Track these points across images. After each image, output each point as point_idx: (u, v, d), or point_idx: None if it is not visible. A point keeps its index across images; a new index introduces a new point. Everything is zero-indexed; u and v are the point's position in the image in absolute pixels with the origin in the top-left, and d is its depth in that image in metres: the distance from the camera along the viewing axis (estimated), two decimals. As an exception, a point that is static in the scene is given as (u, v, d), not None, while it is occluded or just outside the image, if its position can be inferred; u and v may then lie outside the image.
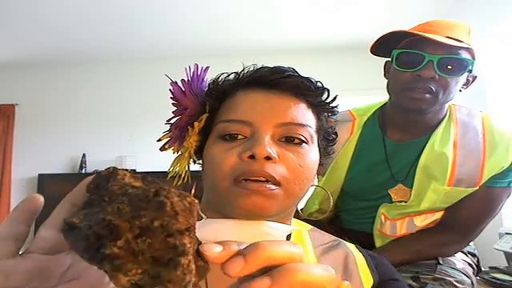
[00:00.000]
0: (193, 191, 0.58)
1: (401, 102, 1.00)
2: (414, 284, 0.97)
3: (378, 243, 1.10)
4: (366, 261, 0.56)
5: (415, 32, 0.93)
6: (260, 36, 3.24)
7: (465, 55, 0.93)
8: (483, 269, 1.38)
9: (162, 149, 0.60)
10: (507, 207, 1.07)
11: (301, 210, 1.30)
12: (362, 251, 0.59)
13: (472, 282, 1.04)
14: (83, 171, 3.56)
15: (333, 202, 1.18)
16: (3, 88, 3.92)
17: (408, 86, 0.95)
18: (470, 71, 0.96)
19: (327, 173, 1.13)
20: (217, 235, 0.49)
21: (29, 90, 3.89)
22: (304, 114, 0.54)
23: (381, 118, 1.10)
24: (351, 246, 0.59)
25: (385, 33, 0.98)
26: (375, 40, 1.00)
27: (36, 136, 3.80)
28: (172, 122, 0.59)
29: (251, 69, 0.57)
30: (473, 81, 1.02)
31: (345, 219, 1.22)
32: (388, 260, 1.03)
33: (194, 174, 0.59)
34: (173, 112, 0.59)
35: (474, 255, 1.16)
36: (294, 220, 0.61)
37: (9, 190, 3.69)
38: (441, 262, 1.04)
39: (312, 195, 1.24)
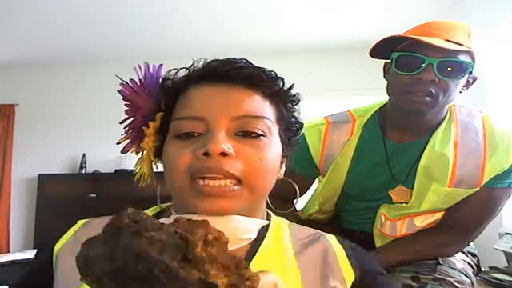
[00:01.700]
0: (158, 194, 0.57)
1: (401, 104, 1.00)
2: (413, 284, 0.97)
3: (378, 243, 1.10)
4: (347, 254, 0.54)
5: (414, 37, 0.92)
6: (260, 36, 3.24)
7: (465, 58, 0.93)
8: (483, 269, 1.38)
9: (123, 151, 0.59)
10: (507, 207, 1.07)
11: (301, 210, 1.30)
12: (343, 243, 0.56)
13: (472, 282, 1.04)
14: (83, 171, 3.56)
15: (333, 202, 1.18)
16: (3, 88, 3.92)
17: (408, 89, 0.95)
18: (471, 73, 0.95)
19: (327, 173, 1.13)
20: None
21: (29, 90, 3.89)
22: (260, 106, 0.52)
23: (381, 119, 1.10)
24: (331, 239, 0.56)
25: (384, 36, 0.98)
26: (374, 43, 1.00)
27: (36, 136, 3.80)
28: (127, 123, 0.58)
29: (201, 63, 0.55)
30: (473, 82, 1.01)
31: (345, 219, 1.22)
32: (388, 260, 1.04)
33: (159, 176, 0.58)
34: (125, 112, 0.57)
35: (474, 255, 1.16)
36: (272, 215, 0.60)
37: (9, 190, 3.69)
38: (441, 262, 1.04)
39: (312, 196, 1.24)
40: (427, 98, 0.93)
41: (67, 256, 0.51)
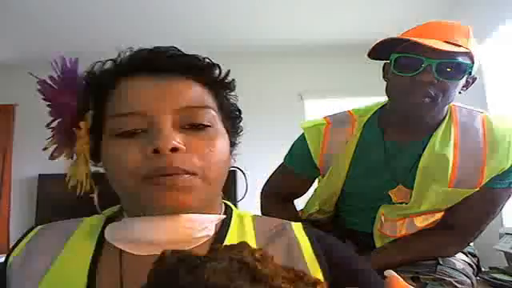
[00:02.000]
0: (96, 199, 0.54)
1: (400, 105, 1.00)
2: (413, 284, 0.97)
3: (378, 243, 1.10)
4: (312, 245, 0.50)
5: (413, 38, 0.92)
6: (260, 36, 3.24)
7: (463, 59, 0.92)
8: (483, 269, 1.38)
9: (52, 157, 0.55)
10: (507, 207, 1.07)
11: (301, 210, 1.30)
12: (309, 233, 0.52)
13: (472, 283, 1.04)
14: (83, 171, 3.55)
15: (333, 202, 1.18)
16: (3, 88, 3.92)
17: (407, 91, 0.95)
18: (470, 73, 0.95)
19: (327, 174, 1.13)
20: (136, 235, 0.47)
21: (29, 89, 3.87)
22: (201, 96, 0.49)
23: (381, 119, 1.10)
24: (297, 229, 0.53)
25: (383, 38, 0.97)
26: (373, 45, 1.00)
27: (36, 136, 3.79)
28: (53, 125, 0.52)
29: (128, 53, 0.51)
30: (472, 82, 1.01)
31: (345, 219, 1.22)
32: (388, 260, 1.04)
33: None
34: (50, 114, 0.52)
35: (474, 255, 1.15)
36: (234, 208, 0.57)
37: (9, 190, 3.69)
38: (441, 262, 1.04)
39: (312, 196, 1.24)
40: (426, 100, 0.93)
41: (16, 273, 0.48)
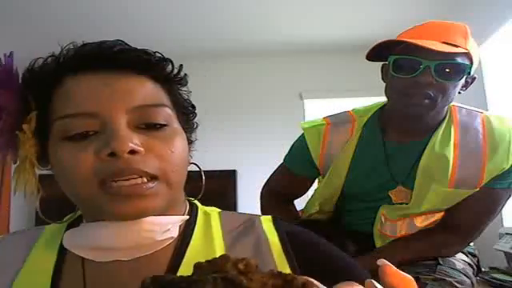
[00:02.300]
0: (38, 206, 0.50)
1: (399, 106, 1.00)
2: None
3: (379, 243, 1.10)
4: (282, 244, 0.47)
5: (410, 41, 0.92)
6: (259, 36, 3.24)
7: (462, 59, 0.92)
8: (483, 269, 1.38)
9: None
10: (507, 207, 1.07)
11: (301, 210, 1.30)
12: (278, 228, 0.49)
13: (472, 283, 1.04)
14: (83, 171, 3.55)
15: (333, 203, 1.18)
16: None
17: (406, 92, 0.95)
18: (469, 73, 0.95)
19: (327, 174, 1.13)
20: (96, 241, 0.45)
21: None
22: (154, 93, 0.47)
23: (381, 119, 1.10)
24: (266, 224, 0.50)
25: (380, 41, 0.98)
26: (371, 47, 1.00)
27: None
28: None
29: (71, 48, 0.47)
30: (472, 82, 1.01)
31: (345, 220, 1.22)
32: (388, 260, 1.03)
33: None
34: None
35: (474, 255, 1.16)
36: (200, 206, 0.55)
37: (9, 190, 3.70)
38: (441, 262, 1.04)
39: (312, 196, 1.24)
40: (426, 101, 0.93)
41: None
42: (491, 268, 1.60)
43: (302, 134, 1.18)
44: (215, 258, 0.28)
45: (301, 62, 3.40)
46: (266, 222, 0.50)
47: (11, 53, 0.48)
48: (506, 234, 1.67)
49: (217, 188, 3.15)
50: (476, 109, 1.07)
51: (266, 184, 1.32)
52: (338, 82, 3.36)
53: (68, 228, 0.50)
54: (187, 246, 0.47)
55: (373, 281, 0.26)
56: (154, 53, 0.48)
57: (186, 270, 0.44)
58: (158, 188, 0.43)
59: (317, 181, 1.26)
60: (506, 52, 2.17)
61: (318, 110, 3.12)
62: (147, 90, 0.46)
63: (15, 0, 2.60)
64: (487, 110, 2.04)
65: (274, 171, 1.30)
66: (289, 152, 1.24)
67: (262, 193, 1.32)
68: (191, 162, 0.54)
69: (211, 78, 3.45)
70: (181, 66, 0.52)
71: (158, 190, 0.43)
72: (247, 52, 3.41)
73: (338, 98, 3.19)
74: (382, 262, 0.29)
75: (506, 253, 1.60)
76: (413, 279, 0.28)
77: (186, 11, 2.83)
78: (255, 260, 0.28)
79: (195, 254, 0.46)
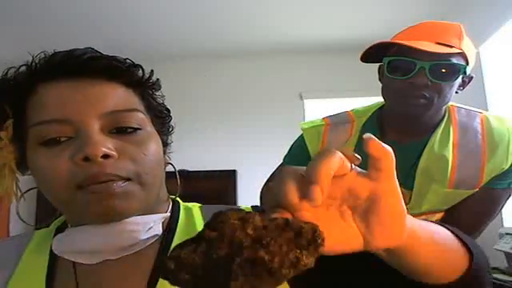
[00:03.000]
0: (17, 209, 0.52)
1: (396, 107, 1.00)
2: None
3: (378, 243, 1.10)
4: None
5: (404, 43, 0.92)
6: (259, 36, 3.24)
7: (457, 60, 0.92)
8: (483, 269, 1.37)
9: None
10: (507, 207, 1.07)
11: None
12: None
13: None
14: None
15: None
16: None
17: (402, 93, 0.95)
18: (465, 73, 0.95)
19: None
20: (83, 246, 0.46)
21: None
22: (126, 98, 0.48)
23: (380, 120, 1.10)
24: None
25: (374, 42, 0.98)
26: (365, 49, 1.00)
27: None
28: None
29: (42, 57, 0.49)
30: (469, 81, 1.01)
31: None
32: None
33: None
34: None
35: (473, 255, 1.15)
36: (182, 203, 0.57)
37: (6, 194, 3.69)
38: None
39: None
40: (422, 101, 0.93)
41: None
42: (491, 268, 1.60)
43: (301, 134, 1.18)
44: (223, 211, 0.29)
45: (301, 61, 3.40)
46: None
47: None
48: (506, 234, 1.67)
49: (217, 188, 3.15)
50: (475, 109, 1.07)
51: (265, 184, 1.32)
52: (338, 82, 3.36)
53: (57, 231, 0.52)
54: (171, 241, 0.49)
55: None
56: (125, 59, 0.50)
57: None
58: (130, 188, 0.44)
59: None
60: (506, 52, 2.17)
61: (317, 110, 3.13)
62: (119, 96, 0.47)
63: (15, 0, 2.60)
64: (487, 110, 2.04)
65: (274, 171, 1.30)
66: (288, 152, 1.24)
67: (261, 192, 1.32)
68: (168, 162, 0.56)
69: (211, 78, 3.45)
70: (152, 71, 0.53)
71: (129, 190, 0.44)
72: (247, 52, 3.41)
73: (337, 98, 3.19)
74: (367, 136, 0.31)
75: (506, 253, 1.60)
76: (391, 151, 0.32)
77: (186, 11, 2.83)
78: (254, 214, 0.29)
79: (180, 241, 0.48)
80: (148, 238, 0.47)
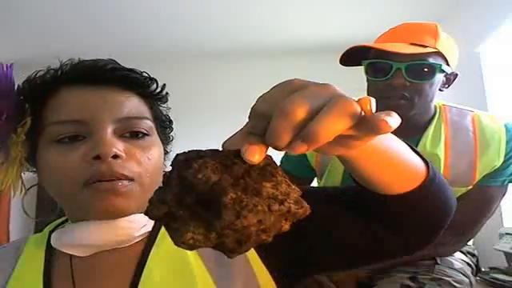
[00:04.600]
0: (23, 205, 0.57)
1: (380, 108, 1.00)
2: (412, 284, 0.97)
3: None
4: None
5: (376, 46, 0.95)
6: (259, 36, 3.24)
7: (434, 59, 0.94)
8: (483, 269, 1.38)
9: None
10: (507, 207, 1.07)
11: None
12: None
13: (470, 282, 1.04)
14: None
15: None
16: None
17: (382, 95, 0.97)
18: (443, 71, 0.96)
19: (325, 175, 1.13)
20: (81, 240, 0.50)
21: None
22: (139, 107, 0.53)
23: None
24: None
25: (350, 46, 1.00)
26: (341, 54, 1.02)
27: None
28: None
29: (68, 64, 0.55)
30: (454, 79, 1.03)
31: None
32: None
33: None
34: None
35: (473, 255, 1.16)
36: None
37: (9, 190, 3.70)
38: (439, 261, 1.04)
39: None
40: (402, 102, 0.95)
41: None
42: (491, 268, 1.59)
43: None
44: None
45: (301, 61, 3.40)
46: None
47: (12, 64, 0.55)
48: (506, 233, 1.67)
49: (217, 188, 3.15)
50: (467, 108, 1.08)
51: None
52: (336, 83, 3.35)
53: (50, 234, 0.56)
54: (157, 234, 0.53)
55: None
56: (141, 72, 0.56)
57: (157, 250, 0.51)
58: (132, 188, 0.48)
59: (316, 182, 1.26)
60: (506, 52, 2.17)
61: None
62: (133, 104, 0.53)
63: (15, 0, 2.60)
64: (487, 110, 2.03)
65: (273, 172, 1.30)
66: (285, 153, 1.25)
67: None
68: (165, 171, 0.59)
69: (211, 78, 3.45)
70: (164, 85, 0.59)
71: (131, 190, 0.48)
72: (247, 52, 3.41)
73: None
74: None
75: (506, 253, 1.60)
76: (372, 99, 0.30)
77: (186, 11, 2.83)
78: (253, 182, 0.29)
79: (165, 234, 0.51)
80: (140, 236, 0.52)
